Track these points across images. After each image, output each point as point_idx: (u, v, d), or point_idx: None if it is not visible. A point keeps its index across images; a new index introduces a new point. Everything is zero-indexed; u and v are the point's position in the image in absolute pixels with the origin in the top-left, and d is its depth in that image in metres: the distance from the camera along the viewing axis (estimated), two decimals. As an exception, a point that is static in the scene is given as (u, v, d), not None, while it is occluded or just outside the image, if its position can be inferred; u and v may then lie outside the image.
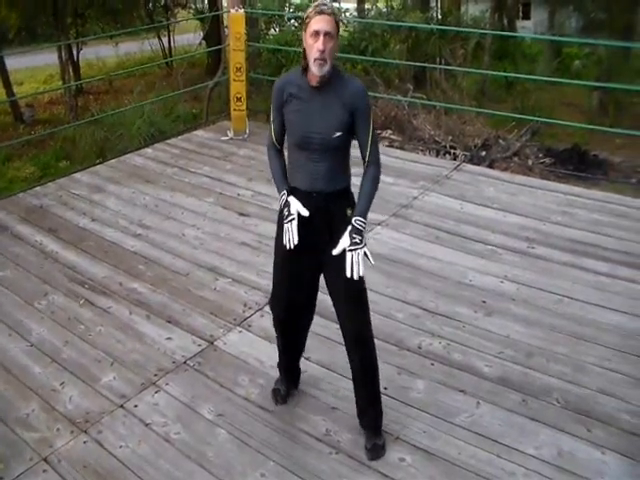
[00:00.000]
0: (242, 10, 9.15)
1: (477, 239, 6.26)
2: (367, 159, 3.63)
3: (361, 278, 3.55)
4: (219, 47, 14.45)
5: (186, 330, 5.03)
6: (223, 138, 9.39)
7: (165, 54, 26.54)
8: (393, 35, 17.10)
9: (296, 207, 3.56)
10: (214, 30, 18.67)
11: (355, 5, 28.81)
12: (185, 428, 4.07)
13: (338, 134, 3.50)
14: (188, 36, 24.20)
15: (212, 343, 4.86)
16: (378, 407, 3.93)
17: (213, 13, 19.20)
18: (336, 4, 19.90)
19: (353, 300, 3.70)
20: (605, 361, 4.52)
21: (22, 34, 22.26)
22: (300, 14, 14.12)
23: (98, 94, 22.42)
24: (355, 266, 3.43)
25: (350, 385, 3.99)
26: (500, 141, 11.31)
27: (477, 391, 4.28)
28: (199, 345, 4.84)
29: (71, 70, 21.38)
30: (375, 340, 4.24)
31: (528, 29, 31.37)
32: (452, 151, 10.48)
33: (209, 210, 7.06)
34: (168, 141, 9.63)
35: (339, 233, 3.53)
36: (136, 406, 4.25)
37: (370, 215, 6.51)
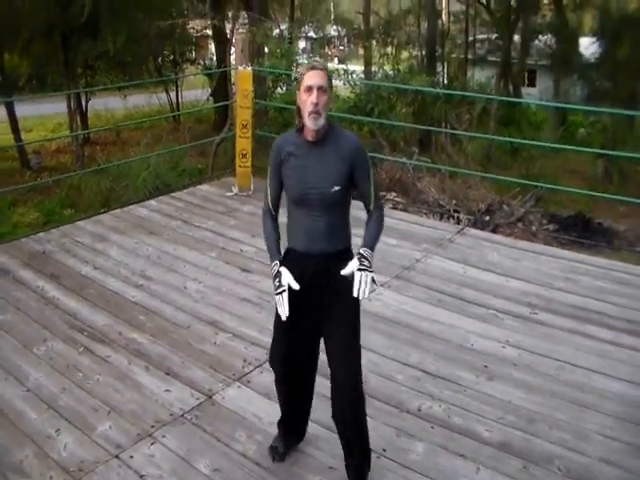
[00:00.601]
0: (250, 68, 9.23)
1: (479, 303, 6.23)
2: (371, 208, 3.73)
3: (356, 330, 3.71)
4: (226, 103, 14.58)
5: (185, 383, 4.98)
6: (228, 194, 9.41)
7: (173, 108, 26.83)
8: (399, 98, 17.28)
9: (287, 279, 3.59)
10: (222, 87, 18.91)
11: (362, 67, 29.24)
12: (180, 482, 4.01)
13: (337, 188, 3.57)
14: (196, 92, 24.51)
15: (210, 397, 4.80)
16: (367, 458, 3.91)
17: (221, 69, 19.43)
18: (343, 65, 20.14)
19: (348, 349, 3.71)
20: (607, 429, 4.47)
21: (32, 82, 22.53)
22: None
23: (105, 145, 22.64)
24: (363, 285, 3.45)
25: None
26: (504, 206, 11.38)
27: (477, 456, 4.22)
28: (197, 399, 4.78)
29: (79, 120, 21.60)
30: (375, 401, 4.21)
31: (533, 96, 31.80)
32: (456, 215, 10.53)
33: (211, 264, 7.04)
34: (173, 194, 9.65)
35: (342, 291, 3.59)
36: (131, 457, 4.18)
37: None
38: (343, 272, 3.50)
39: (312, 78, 3.50)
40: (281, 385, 4.08)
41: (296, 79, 3.62)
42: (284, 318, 3.57)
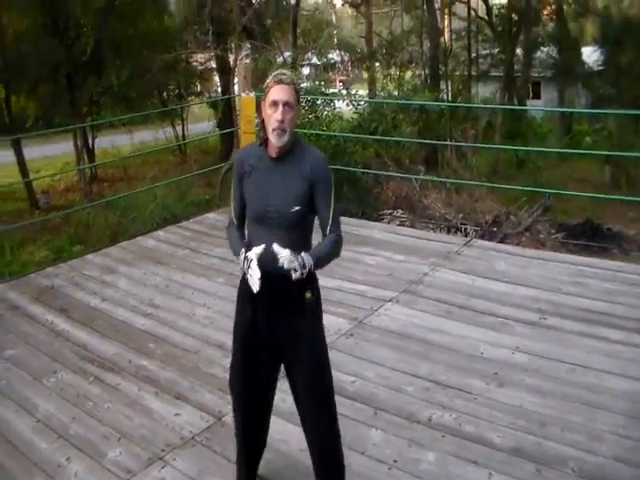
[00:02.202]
0: (253, 94, 9.27)
1: (488, 312, 6.21)
2: (327, 233, 3.53)
3: (329, 380, 3.65)
4: (231, 130, 14.65)
5: (195, 406, 4.97)
6: (235, 220, 9.38)
7: (179, 141, 27.05)
8: (404, 117, 17.28)
9: (253, 251, 3.34)
10: (227, 117, 19.02)
11: (367, 91, 29.37)
12: (192, 503, 4.00)
13: (296, 208, 3.42)
14: (202, 125, 24.68)
15: (220, 419, 4.79)
16: None
17: (224, 97, 19.58)
18: (348, 89, 20.16)
19: (320, 400, 3.65)
20: (620, 428, 4.43)
21: (39, 123, 22.73)
22: (309, 97, 14.28)
23: (112, 181, 22.83)
24: (288, 259, 3.23)
25: (363, 460, 4.08)
26: (511, 217, 11.37)
27: (489, 462, 4.19)
28: (207, 421, 4.77)
29: (86, 157, 21.77)
30: (385, 414, 4.19)
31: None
32: (463, 228, 10.52)
33: (219, 290, 7.03)
34: (180, 224, 9.66)
35: (298, 320, 3.52)
36: (142, 481, 4.19)
37: (380, 292, 6.55)
38: (275, 246, 3.26)
39: (278, 93, 3.35)
40: (242, 411, 3.88)
41: (262, 91, 3.47)
42: (257, 288, 3.31)
